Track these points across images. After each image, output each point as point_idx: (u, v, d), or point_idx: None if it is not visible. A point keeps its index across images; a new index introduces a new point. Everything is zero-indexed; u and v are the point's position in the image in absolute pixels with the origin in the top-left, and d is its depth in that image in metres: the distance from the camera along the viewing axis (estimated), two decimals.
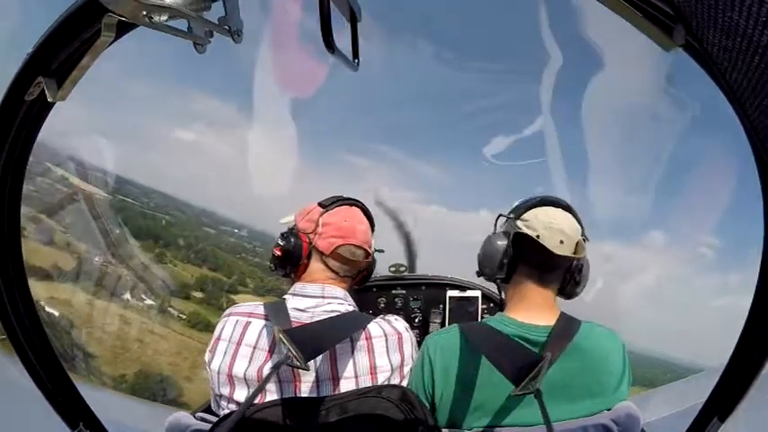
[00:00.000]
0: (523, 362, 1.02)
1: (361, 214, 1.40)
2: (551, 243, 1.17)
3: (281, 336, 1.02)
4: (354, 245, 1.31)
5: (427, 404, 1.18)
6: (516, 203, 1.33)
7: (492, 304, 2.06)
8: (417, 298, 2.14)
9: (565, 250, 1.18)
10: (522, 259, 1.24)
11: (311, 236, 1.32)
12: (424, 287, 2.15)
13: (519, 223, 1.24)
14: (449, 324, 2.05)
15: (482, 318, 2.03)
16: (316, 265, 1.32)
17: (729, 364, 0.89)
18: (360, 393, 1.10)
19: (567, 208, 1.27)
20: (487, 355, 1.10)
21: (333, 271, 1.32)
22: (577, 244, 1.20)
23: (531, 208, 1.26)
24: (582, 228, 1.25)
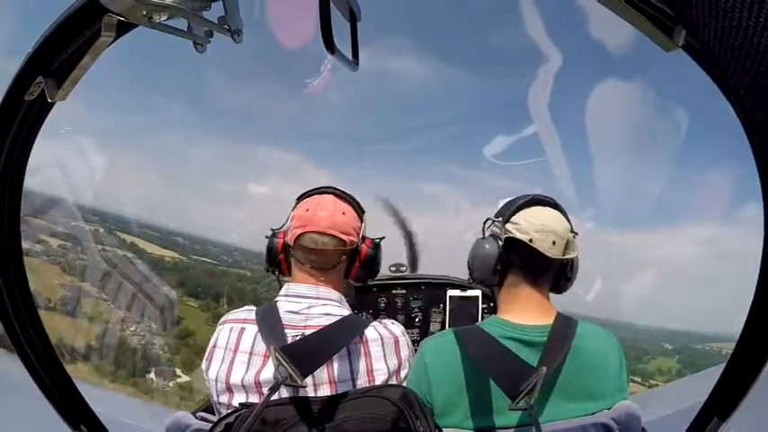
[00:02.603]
0: (517, 373, 1.05)
1: (333, 201, 1.30)
2: (544, 246, 1.17)
3: (277, 355, 1.02)
4: (315, 232, 1.23)
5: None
6: (501, 205, 1.30)
7: (492, 304, 2.06)
8: (418, 298, 2.14)
9: (557, 252, 1.17)
10: (515, 263, 1.23)
11: (286, 232, 1.32)
12: (424, 287, 2.15)
13: (509, 227, 1.22)
14: (449, 324, 2.06)
15: (482, 318, 2.03)
16: (292, 261, 1.31)
17: (729, 364, 0.89)
18: (360, 393, 1.10)
19: (555, 205, 1.25)
20: (483, 365, 1.11)
21: (303, 263, 1.28)
22: (568, 242, 1.20)
23: (519, 209, 1.24)
24: (570, 224, 1.23)
